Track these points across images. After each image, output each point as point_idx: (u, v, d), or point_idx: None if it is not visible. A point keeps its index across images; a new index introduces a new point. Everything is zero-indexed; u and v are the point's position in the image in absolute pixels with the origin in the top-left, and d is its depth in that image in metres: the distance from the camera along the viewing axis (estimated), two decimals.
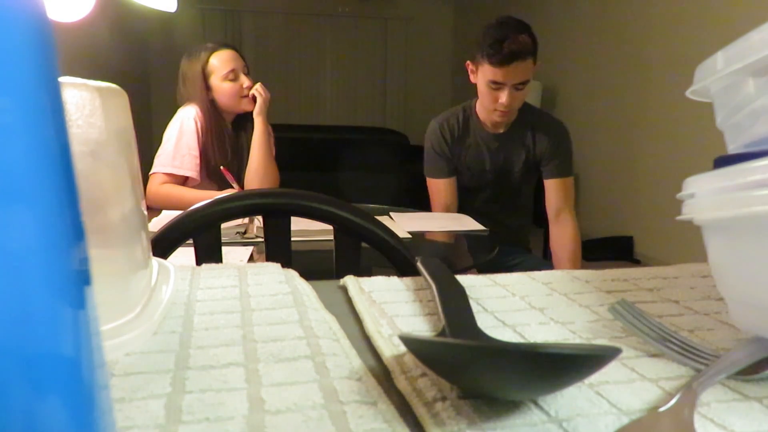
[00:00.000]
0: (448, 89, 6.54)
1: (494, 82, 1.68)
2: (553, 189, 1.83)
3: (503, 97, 1.68)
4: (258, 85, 1.82)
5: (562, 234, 1.82)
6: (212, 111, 1.79)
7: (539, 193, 1.91)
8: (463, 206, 1.86)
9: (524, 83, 1.69)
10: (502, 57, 1.64)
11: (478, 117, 1.82)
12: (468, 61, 1.77)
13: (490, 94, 1.70)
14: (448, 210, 1.84)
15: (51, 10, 0.85)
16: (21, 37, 0.15)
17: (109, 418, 0.19)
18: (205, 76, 1.78)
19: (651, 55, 3.60)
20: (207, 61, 1.78)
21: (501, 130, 1.80)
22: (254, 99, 1.82)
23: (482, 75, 1.70)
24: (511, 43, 1.64)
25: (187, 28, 5.38)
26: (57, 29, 0.18)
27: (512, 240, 1.87)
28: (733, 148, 0.41)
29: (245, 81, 1.80)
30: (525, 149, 1.81)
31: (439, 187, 1.84)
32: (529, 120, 1.80)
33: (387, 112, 6.48)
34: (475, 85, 1.76)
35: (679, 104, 3.11)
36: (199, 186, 1.78)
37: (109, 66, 3.83)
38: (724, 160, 0.38)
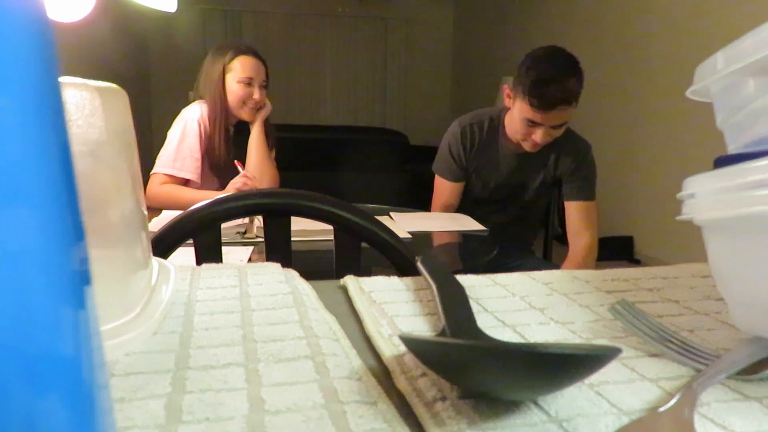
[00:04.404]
0: (448, 89, 6.54)
1: (530, 121, 1.58)
2: (572, 211, 1.75)
3: (537, 136, 1.59)
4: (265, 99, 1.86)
5: (572, 251, 1.75)
6: (222, 106, 1.80)
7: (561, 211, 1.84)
8: (469, 214, 1.78)
9: (563, 124, 1.59)
10: (544, 103, 1.51)
11: (504, 132, 1.72)
12: (505, 86, 1.66)
13: (524, 128, 1.61)
14: (446, 210, 1.82)
15: (51, 10, 0.85)
16: (21, 37, 0.15)
17: (109, 418, 0.19)
18: (223, 72, 1.79)
19: (651, 55, 3.60)
20: (231, 60, 1.79)
21: (525, 150, 1.71)
22: (255, 109, 1.84)
23: (519, 109, 1.59)
24: (557, 89, 1.50)
25: (187, 28, 5.38)
26: (57, 29, 0.18)
27: (515, 243, 1.85)
28: (733, 148, 0.41)
29: (256, 93, 1.81)
30: (544, 169, 1.74)
31: (444, 187, 1.80)
32: (555, 141, 1.67)
33: (387, 112, 6.48)
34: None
35: (679, 104, 3.11)
36: (200, 188, 1.78)
37: (109, 66, 3.82)
38: (724, 160, 0.38)
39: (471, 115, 1.78)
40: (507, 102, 1.67)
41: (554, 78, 1.50)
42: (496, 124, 1.74)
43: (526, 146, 1.66)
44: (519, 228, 1.88)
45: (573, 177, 1.73)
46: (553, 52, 1.58)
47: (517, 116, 1.61)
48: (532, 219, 1.92)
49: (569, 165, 1.72)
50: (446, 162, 1.78)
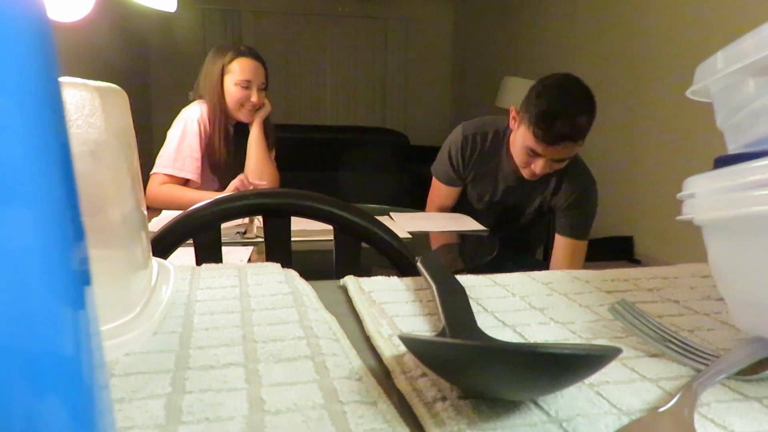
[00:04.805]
0: (447, 89, 6.54)
1: (532, 150, 1.47)
2: (559, 246, 1.65)
3: (537, 166, 1.49)
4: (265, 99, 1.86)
5: None
6: (221, 107, 1.80)
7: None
8: None
9: (565, 159, 1.50)
10: (548, 136, 1.41)
11: (507, 149, 1.62)
12: (513, 107, 1.57)
13: (524, 156, 1.51)
14: (441, 211, 1.81)
15: (51, 10, 0.85)
16: (21, 37, 0.15)
17: (109, 418, 0.19)
18: (222, 73, 1.80)
19: (651, 55, 3.60)
20: (230, 62, 1.79)
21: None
22: (254, 111, 1.85)
23: (522, 136, 1.49)
24: (564, 125, 1.39)
25: (187, 28, 5.38)
26: (57, 29, 0.18)
27: (516, 248, 1.84)
28: (733, 148, 0.41)
29: (254, 95, 1.81)
30: (542, 195, 1.65)
31: (440, 189, 1.79)
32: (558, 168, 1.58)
33: (387, 112, 6.48)
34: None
35: (679, 104, 3.11)
36: (200, 188, 1.79)
37: (109, 66, 3.82)
38: (724, 160, 0.38)
39: (477, 124, 1.70)
40: (512, 124, 1.59)
41: (564, 112, 1.40)
42: (500, 138, 1.65)
43: (524, 174, 1.58)
44: (517, 249, 1.84)
45: (568, 212, 1.64)
46: (567, 82, 1.47)
47: (519, 142, 1.52)
48: (531, 242, 1.88)
49: (567, 198, 1.63)
50: (444, 166, 1.74)
